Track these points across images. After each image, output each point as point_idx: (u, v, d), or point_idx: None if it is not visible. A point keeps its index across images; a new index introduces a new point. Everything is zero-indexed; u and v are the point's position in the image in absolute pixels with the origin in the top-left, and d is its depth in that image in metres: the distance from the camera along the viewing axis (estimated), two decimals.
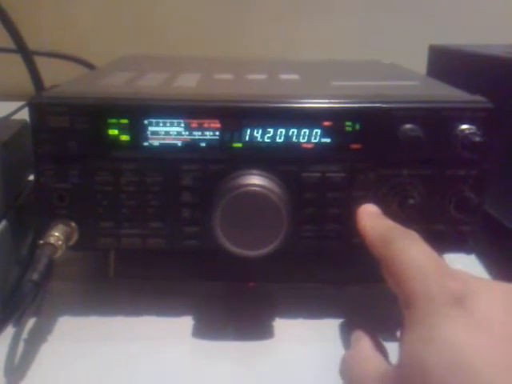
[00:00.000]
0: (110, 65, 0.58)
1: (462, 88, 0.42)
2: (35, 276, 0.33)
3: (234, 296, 0.44)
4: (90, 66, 0.74)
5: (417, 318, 0.28)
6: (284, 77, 0.50)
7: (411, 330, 0.28)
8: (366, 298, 0.44)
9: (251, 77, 0.50)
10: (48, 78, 0.47)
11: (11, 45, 0.43)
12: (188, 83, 0.45)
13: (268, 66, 0.59)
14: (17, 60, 0.47)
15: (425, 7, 1.03)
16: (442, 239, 0.38)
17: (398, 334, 0.38)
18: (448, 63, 0.61)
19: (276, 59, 0.69)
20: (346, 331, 0.39)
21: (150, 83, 0.44)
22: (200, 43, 1.03)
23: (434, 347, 0.26)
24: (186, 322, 0.40)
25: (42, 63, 0.47)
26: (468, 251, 0.39)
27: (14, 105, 0.68)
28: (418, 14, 1.03)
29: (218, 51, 1.01)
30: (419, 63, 0.64)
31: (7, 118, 0.62)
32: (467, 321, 0.27)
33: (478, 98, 0.37)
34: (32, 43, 0.46)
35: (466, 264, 0.40)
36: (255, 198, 0.35)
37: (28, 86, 0.46)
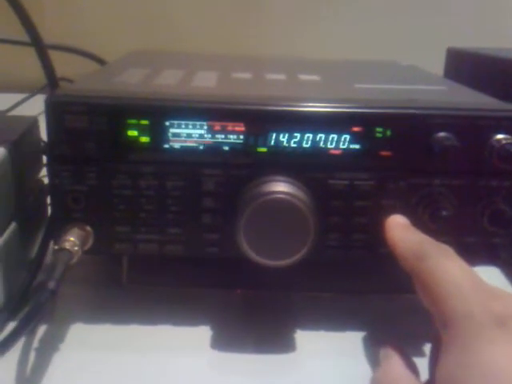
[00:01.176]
0: (122, 60, 0.56)
1: (485, 92, 0.41)
2: (52, 284, 0.31)
3: (253, 305, 0.42)
4: (98, 60, 0.73)
5: (457, 340, 0.27)
6: (304, 77, 0.49)
7: (450, 351, 0.27)
8: (389, 309, 0.42)
9: (270, 77, 0.48)
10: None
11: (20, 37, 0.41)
12: (207, 82, 0.43)
13: (284, 65, 0.58)
14: (22, 52, 0.45)
15: (435, 8, 1.02)
16: (473, 252, 0.37)
17: (425, 348, 0.37)
18: (469, 67, 0.60)
19: (291, 58, 0.67)
20: (372, 346, 0.38)
21: (168, 81, 0.43)
22: (208, 38, 1.01)
23: (476, 372, 0.25)
24: (203, 333, 0.39)
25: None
26: (499, 264, 0.38)
27: (21, 97, 0.67)
28: (424, 14, 1.02)
29: (228, 47, 0.99)
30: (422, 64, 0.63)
31: (14, 115, 0.60)
32: None
33: None
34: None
35: (488, 275, 0.39)
36: (282, 205, 0.34)
37: (31, 77, 0.44)
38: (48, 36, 0.69)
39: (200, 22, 1.03)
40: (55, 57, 0.64)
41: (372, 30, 1.03)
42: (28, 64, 0.47)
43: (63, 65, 0.68)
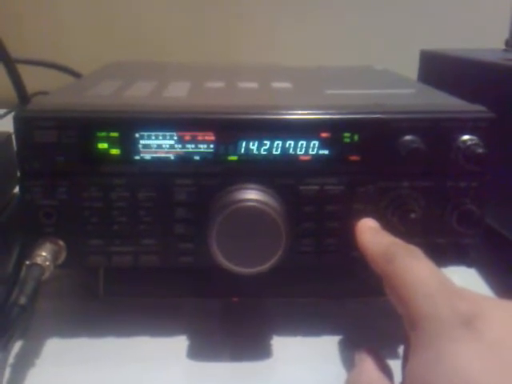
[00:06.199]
0: (97, 73, 0.56)
1: (454, 94, 0.42)
2: (23, 300, 0.31)
3: (230, 313, 0.42)
4: (74, 73, 0.73)
5: (424, 341, 0.27)
6: (276, 85, 0.49)
7: (418, 352, 0.27)
8: (365, 312, 0.43)
9: (242, 85, 0.48)
10: (30, 87, 0.45)
11: None
12: (179, 93, 0.43)
13: (258, 73, 0.58)
14: None
15: (413, 11, 1.03)
16: (443, 253, 0.37)
17: (400, 351, 0.37)
18: (440, 68, 0.61)
19: (265, 66, 0.68)
20: (348, 349, 0.38)
21: (139, 93, 0.43)
22: (186, 49, 1.02)
23: (442, 371, 0.25)
24: (180, 343, 0.39)
25: (24, 71, 0.45)
26: (469, 264, 0.38)
27: None
28: (401, 18, 1.03)
29: (204, 56, 1.00)
30: (401, 67, 0.63)
31: None
32: (478, 345, 0.26)
33: (479, 107, 0.37)
34: (14, 50, 0.44)
35: (464, 276, 0.39)
36: (253, 213, 0.34)
37: (9, 93, 0.44)
38: (28, 52, 0.70)
39: (177, 33, 1.03)
40: (33, 72, 0.64)
41: (349, 34, 1.04)
42: (3, 80, 0.47)
43: (41, 80, 0.68)
